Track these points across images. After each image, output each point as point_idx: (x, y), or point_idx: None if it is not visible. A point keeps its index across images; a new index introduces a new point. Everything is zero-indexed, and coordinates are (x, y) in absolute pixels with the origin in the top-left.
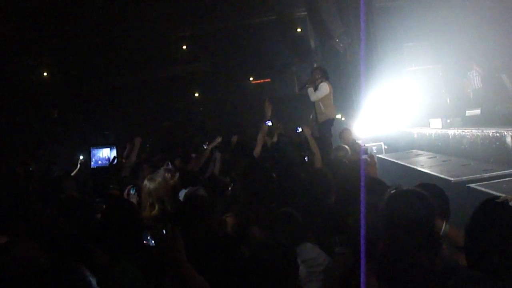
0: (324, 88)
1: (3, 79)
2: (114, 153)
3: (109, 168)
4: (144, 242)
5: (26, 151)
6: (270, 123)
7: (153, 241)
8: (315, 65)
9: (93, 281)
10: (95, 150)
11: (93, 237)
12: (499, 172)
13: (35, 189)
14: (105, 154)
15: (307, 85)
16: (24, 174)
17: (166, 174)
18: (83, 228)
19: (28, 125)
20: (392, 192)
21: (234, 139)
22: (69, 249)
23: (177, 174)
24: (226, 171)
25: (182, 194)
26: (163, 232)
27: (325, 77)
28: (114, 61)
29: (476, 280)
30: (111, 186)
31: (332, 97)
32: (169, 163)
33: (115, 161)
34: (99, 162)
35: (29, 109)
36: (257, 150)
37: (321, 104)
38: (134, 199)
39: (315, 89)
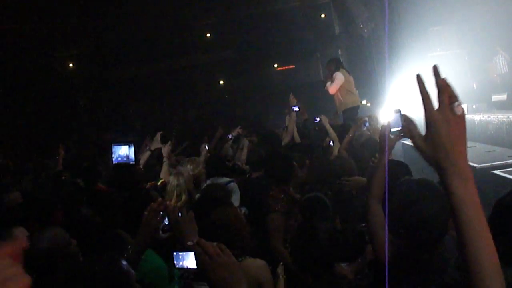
0: (339, 77)
1: (32, 71)
2: (132, 150)
3: (131, 165)
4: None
5: (53, 141)
6: (297, 109)
7: (166, 222)
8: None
9: (133, 272)
10: (116, 147)
11: (120, 227)
12: None
13: (67, 179)
14: (124, 151)
15: (326, 82)
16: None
17: (189, 166)
18: (114, 219)
19: (56, 115)
20: (402, 183)
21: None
22: (102, 239)
23: (202, 165)
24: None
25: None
26: (179, 215)
27: (340, 67)
28: (139, 50)
29: None
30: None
31: (351, 84)
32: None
33: (134, 159)
34: (119, 158)
35: (56, 100)
36: (287, 139)
37: (339, 94)
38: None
39: (332, 81)
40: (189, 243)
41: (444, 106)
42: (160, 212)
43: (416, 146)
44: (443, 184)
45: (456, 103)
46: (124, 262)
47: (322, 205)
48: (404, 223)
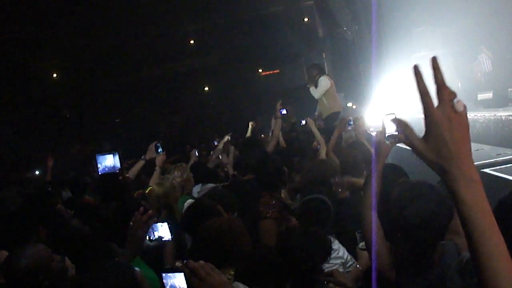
0: (324, 82)
1: (15, 81)
2: (117, 159)
3: (117, 173)
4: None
5: (37, 152)
6: (285, 111)
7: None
8: (317, 62)
9: (147, 282)
10: (101, 157)
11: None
12: None
13: (55, 191)
14: (110, 161)
15: (308, 85)
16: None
17: (176, 172)
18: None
19: (40, 126)
20: (399, 185)
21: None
22: (92, 251)
23: (188, 172)
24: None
25: (197, 189)
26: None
27: (323, 72)
28: (123, 59)
29: None
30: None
31: (334, 90)
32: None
33: (120, 169)
34: (106, 169)
35: (40, 110)
36: (272, 144)
37: (324, 99)
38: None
39: (316, 86)
40: (178, 263)
41: (445, 103)
42: (145, 221)
43: (415, 150)
44: (448, 190)
45: (456, 99)
46: (138, 270)
47: (323, 207)
48: (401, 225)
